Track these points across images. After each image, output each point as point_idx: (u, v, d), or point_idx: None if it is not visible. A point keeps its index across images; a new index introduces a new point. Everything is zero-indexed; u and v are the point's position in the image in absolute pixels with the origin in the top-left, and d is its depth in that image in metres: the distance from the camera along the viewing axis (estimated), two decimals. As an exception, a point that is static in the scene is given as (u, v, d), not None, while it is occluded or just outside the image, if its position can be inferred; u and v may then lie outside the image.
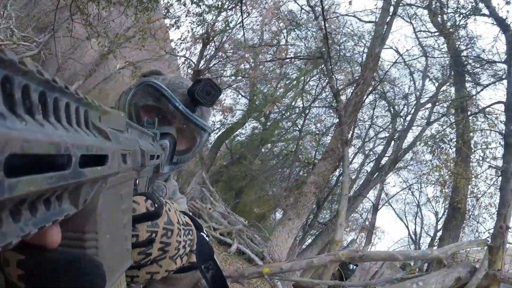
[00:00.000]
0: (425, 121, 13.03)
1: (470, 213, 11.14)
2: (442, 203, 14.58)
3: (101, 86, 14.75)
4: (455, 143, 10.33)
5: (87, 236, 0.37)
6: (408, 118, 13.57)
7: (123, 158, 0.40)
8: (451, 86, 12.21)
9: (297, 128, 17.08)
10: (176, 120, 0.93)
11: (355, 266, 5.32)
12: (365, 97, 10.78)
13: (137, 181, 0.59)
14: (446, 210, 11.23)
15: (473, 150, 10.25)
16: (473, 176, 10.07)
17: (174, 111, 0.92)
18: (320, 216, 15.46)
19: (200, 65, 11.51)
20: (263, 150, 18.50)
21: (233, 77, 14.19)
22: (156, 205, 0.57)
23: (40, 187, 0.22)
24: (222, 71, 14.02)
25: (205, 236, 0.78)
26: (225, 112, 16.79)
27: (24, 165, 0.21)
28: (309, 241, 14.60)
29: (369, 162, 16.46)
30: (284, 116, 16.96)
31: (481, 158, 10.37)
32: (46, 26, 10.72)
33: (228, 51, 13.03)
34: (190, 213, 0.77)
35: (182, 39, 11.54)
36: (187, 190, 12.51)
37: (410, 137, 13.56)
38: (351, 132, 12.20)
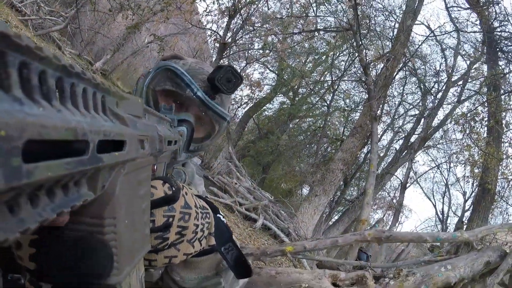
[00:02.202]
0: (456, 99, 12.70)
1: (500, 195, 10.91)
2: (472, 184, 14.34)
3: (129, 60, 14.84)
4: (486, 122, 10.03)
5: (106, 221, 0.37)
6: (439, 95, 13.29)
7: (140, 144, 0.40)
8: (483, 64, 11.83)
9: (326, 104, 16.87)
10: (194, 107, 0.91)
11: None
12: (395, 73, 10.56)
13: (155, 167, 0.59)
14: (476, 191, 11.03)
15: (505, 130, 9.94)
16: (504, 157, 9.81)
17: (192, 97, 0.89)
18: (347, 193, 15.41)
19: (227, 38, 11.37)
20: (290, 125, 18.40)
21: (260, 51, 14.01)
22: (173, 189, 0.58)
23: (58, 172, 0.22)
24: (249, 45, 13.86)
25: (222, 218, 0.78)
26: (253, 87, 16.70)
27: (42, 151, 0.22)
28: (336, 218, 14.61)
29: (398, 140, 16.24)
30: (312, 92, 16.73)
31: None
32: (73, 1, 10.78)
33: (256, 24, 12.82)
34: (208, 195, 0.81)
35: (208, 11, 11.37)
36: (214, 165, 12.60)
37: (440, 115, 13.34)
38: (380, 108, 12.05)
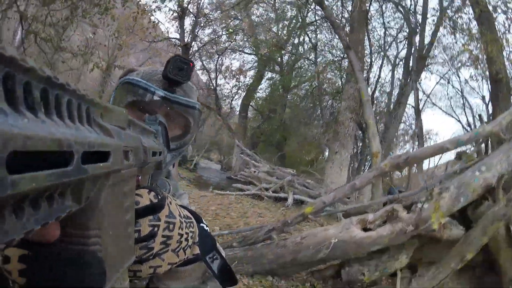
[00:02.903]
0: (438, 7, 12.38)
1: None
2: (484, 83, 14.00)
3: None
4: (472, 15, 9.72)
5: (91, 233, 0.37)
6: (420, 11, 12.97)
7: (125, 155, 0.40)
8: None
9: (312, 61, 16.67)
10: (160, 106, 0.91)
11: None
12: (368, 4, 10.34)
13: (139, 178, 0.58)
14: (489, 87, 10.69)
15: (495, 16, 9.62)
16: (504, 42, 9.51)
17: (154, 99, 0.90)
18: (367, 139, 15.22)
19: (186, 39, 11.27)
20: (288, 97, 18.19)
21: (226, 38, 13.85)
22: (159, 197, 0.59)
23: (43, 183, 0.22)
24: (214, 37, 13.71)
25: (205, 227, 0.79)
26: (236, 75, 16.58)
27: (27, 162, 0.22)
28: (367, 166, 14.49)
29: (399, 68, 15.99)
30: (294, 56, 16.53)
31: (505, 19, 9.73)
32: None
33: (209, 15, 12.65)
34: (191, 208, 0.79)
35: (155, 22, 11.24)
36: (233, 163, 12.60)
37: (428, 32, 13.07)
38: (366, 40, 11.81)
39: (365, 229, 3.67)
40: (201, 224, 0.77)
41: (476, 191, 3.74)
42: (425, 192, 3.77)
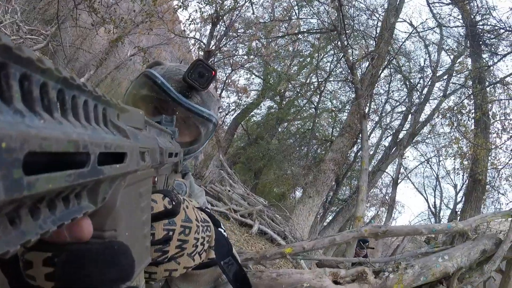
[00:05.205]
0: (442, 93, 12.87)
1: (491, 184, 11.01)
2: (462, 176, 14.48)
3: (113, 74, 14.76)
4: (473, 114, 10.17)
5: (107, 234, 0.37)
6: (425, 91, 13.45)
7: (141, 156, 0.40)
8: (467, 57, 11.96)
9: (313, 105, 16.94)
10: (172, 108, 0.89)
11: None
12: (380, 71, 10.67)
13: (156, 179, 0.59)
14: (466, 182, 11.16)
15: (492, 121, 10.08)
16: (493, 147, 9.94)
17: (167, 98, 0.88)
18: (339, 192, 15.50)
19: (211, 45, 11.37)
20: (279, 129, 18.38)
21: (245, 57, 14.04)
22: (173, 203, 0.57)
23: (59, 185, 0.22)
24: (234, 51, 13.87)
25: (223, 232, 0.78)
26: (240, 93, 16.71)
27: (43, 163, 0.21)
28: (330, 218, 14.65)
29: (387, 137, 16.39)
30: (299, 94, 16.79)
31: (500, 128, 10.19)
32: (53, 18, 10.68)
33: (239, 30, 12.87)
34: (208, 206, 0.79)
35: (190, 20, 11.37)
36: (206, 174, 12.54)
37: (427, 110, 13.51)
38: (367, 106, 12.15)
39: (336, 282, 3.89)
40: (219, 229, 0.76)
41: (435, 275, 4.04)
42: (393, 264, 4.05)
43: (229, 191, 10.20)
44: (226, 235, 0.78)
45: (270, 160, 15.93)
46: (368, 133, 16.15)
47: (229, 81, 15.82)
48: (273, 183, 17.89)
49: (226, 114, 17.86)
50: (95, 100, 0.29)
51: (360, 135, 8.79)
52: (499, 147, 10.02)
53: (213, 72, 0.87)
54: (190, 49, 14.57)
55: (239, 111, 17.57)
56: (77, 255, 0.34)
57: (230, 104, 17.60)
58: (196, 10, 10.81)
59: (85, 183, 0.26)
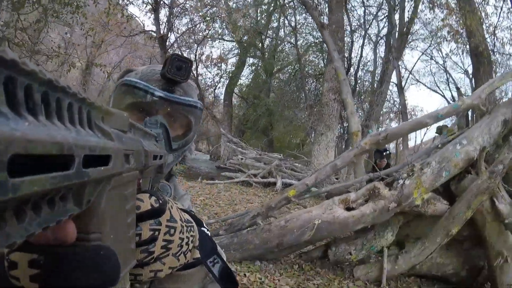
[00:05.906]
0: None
1: (495, 53, 10.62)
2: (466, 57, 14.09)
3: (99, 100, 14.93)
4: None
5: (92, 236, 0.37)
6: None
7: (126, 159, 0.40)
8: None
9: (293, 45, 16.60)
10: (160, 107, 0.89)
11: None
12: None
13: (140, 181, 0.59)
14: (471, 63, 10.78)
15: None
16: (483, 14, 9.58)
17: (153, 99, 0.88)
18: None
19: (162, 31, 11.09)
20: (272, 81, 18.10)
21: (207, 29, 13.68)
22: (160, 202, 0.59)
23: (44, 187, 0.22)
24: (192, 27, 13.53)
25: (206, 231, 0.79)
26: (218, 64, 16.44)
27: (28, 165, 0.22)
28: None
29: (381, 47, 16.01)
30: (277, 41, 16.43)
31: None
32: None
33: (184, 3, 12.44)
34: (193, 210, 0.83)
35: (129, 16, 11.10)
36: (221, 152, 12.61)
37: (408, 8, 13.11)
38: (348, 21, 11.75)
39: (348, 209, 3.66)
40: (202, 228, 0.77)
41: (458, 165, 3.72)
42: (406, 169, 3.76)
43: (241, 158, 10.25)
44: (209, 234, 0.80)
45: (271, 114, 15.78)
46: (358, 51, 15.89)
47: (204, 56, 15.59)
48: (287, 135, 17.79)
49: (214, 89, 17.68)
50: (79, 102, 0.29)
51: (327, 47, 8.59)
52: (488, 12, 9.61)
53: (190, 62, 0.88)
54: (145, 43, 14.37)
55: (225, 81, 17.39)
56: (64, 259, 0.34)
57: (214, 78, 17.34)
58: (126, 4, 10.53)
59: (70, 185, 0.26)
